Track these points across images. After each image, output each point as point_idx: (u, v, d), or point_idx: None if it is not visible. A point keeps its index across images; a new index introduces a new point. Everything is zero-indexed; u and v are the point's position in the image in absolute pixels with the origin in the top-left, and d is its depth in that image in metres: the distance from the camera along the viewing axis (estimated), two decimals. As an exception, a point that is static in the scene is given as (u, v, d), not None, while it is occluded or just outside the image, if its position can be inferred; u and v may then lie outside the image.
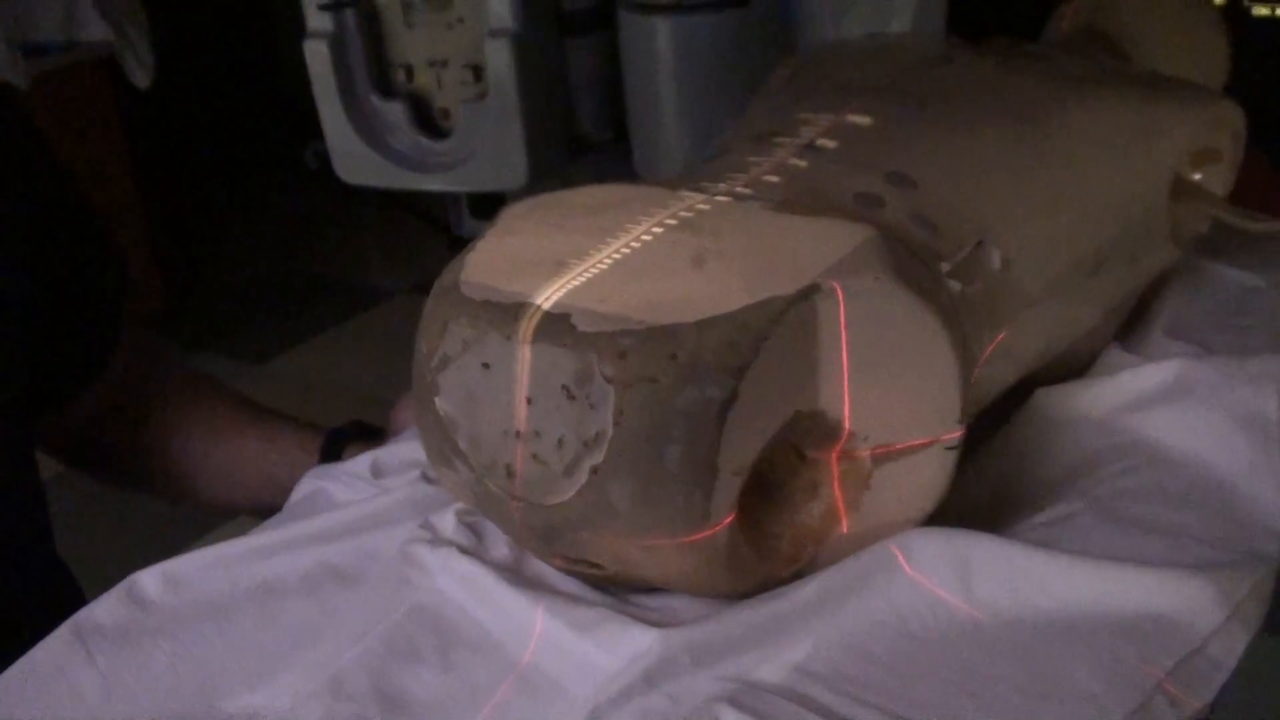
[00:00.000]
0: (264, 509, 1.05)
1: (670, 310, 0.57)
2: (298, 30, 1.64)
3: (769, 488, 0.62)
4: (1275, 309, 0.88)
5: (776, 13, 1.42)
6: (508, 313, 0.59)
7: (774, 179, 0.70)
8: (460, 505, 0.71)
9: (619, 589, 0.66)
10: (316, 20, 1.60)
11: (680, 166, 1.14)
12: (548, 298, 0.58)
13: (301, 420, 1.08)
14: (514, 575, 0.66)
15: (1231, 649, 0.58)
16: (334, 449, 1.01)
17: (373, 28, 1.69)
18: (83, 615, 0.70)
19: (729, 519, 0.58)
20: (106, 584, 0.72)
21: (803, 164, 0.71)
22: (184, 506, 1.12)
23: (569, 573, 0.66)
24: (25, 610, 0.92)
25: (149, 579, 0.72)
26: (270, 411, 1.09)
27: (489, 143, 1.44)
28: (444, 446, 0.63)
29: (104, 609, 0.70)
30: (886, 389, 0.61)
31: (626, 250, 0.62)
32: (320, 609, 0.69)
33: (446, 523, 0.70)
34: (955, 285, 0.66)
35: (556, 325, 0.57)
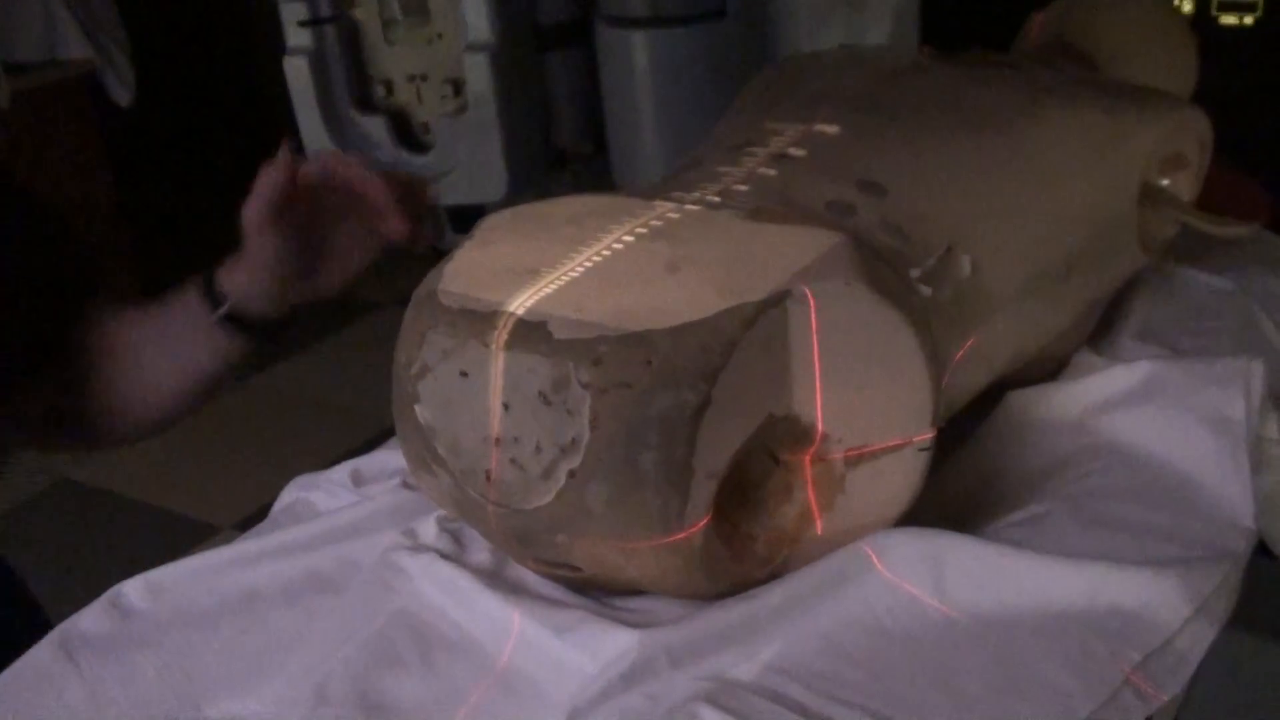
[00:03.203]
0: (197, 397, 0.99)
1: (644, 317, 0.58)
2: (278, 47, 1.64)
3: (744, 490, 0.63)
4: (1242, 312, 0.89)
5: (753, 25, 1.43)
6: (484, 320, 0.60)
7: (744, 188, 0.71)
8: (441, 512, 0.71)
9: (598, 592, 0.67)
10: (296, 37, 1.62)
11: (659, 177, 1.15)
12: (523, 305, 0.59)
13: (180, 287, 0.99)
14: (493, 579, 0.67)
15: (1199, 643, 0.60)
16: (211, 291, 0.92)
17: (353, 44, 1.70)
18: (68, 625, 0.70)
19: (704, 521, 0.59)
20: (92, 593, 0.73)
21: (772, 173, 0.73)
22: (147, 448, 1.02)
23: (548, 576, 0.67)
24: None
25: (134, 588, 0.73)
26: (152, 302, 1.00)
27: (469, 156, 1.45)
28: (424, 453, 0.64)
29: (89, 618, 0.71)
30: (858, 392, 0.62)
31: (599, 259, 0.63)
32: (303, 616, 0.70)
33: (428, 529, 0.71)
34: (925, 290, 0.67)
35: (532, 332, 0.58)
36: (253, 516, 0.82)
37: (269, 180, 0.84)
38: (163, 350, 0.96)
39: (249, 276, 0.90)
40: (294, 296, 0.92)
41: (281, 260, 0.88)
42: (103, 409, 0.98)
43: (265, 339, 0.93)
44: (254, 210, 0.86)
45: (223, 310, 0.91)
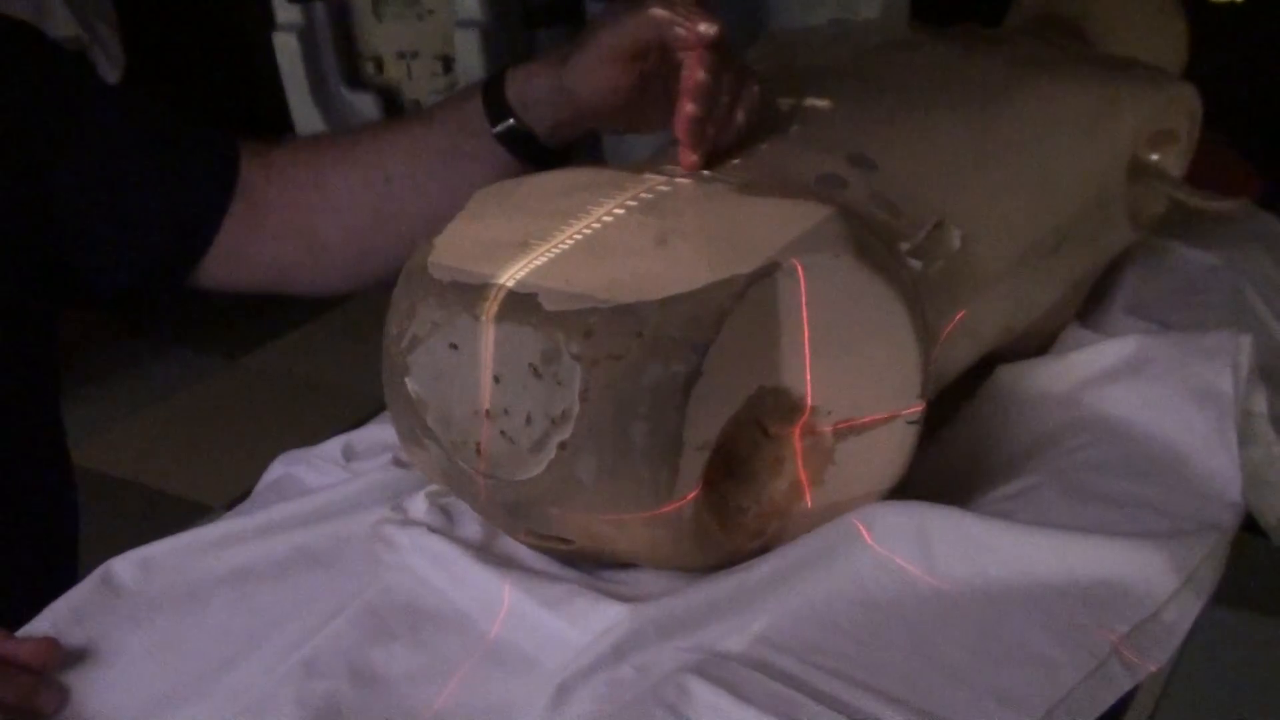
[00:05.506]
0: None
1: (634, 288, 0.58)
2: (268, 23, 1.63)
3: (734, 463, 0.63)
4: (1231, 287, 0.89)
5: (745, 1, 1.43)
6: (474, 293, 0.60)
7: (734, 161, 0.71)
8: (432, 487, 0.71)
9: (588, 565, 0.67)
10: (285, 13, 1.61)
11: (650, 151, 1.14)
12: (513, 277, 0.59)
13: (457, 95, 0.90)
14: (483, 553, 0.67)
15: (1185, 615, 0.60)
16: (496, 99, 0.83)
17: (342, 20, 1.70)
18: (59, 604, 0.70)
19: (694, 493, 0.59)
20: (82, 571, 0.73)
21: (763, 146, 0.72)
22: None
23: (538, 549, 0.67)
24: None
25: (124, 566, 0.72)
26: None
27: (459, 133, 1.44)
28: (414, 426, 0.64)
29: (80, 596, 0.71)
30: (848, 364, 0.62)
31: (589, 231, 0.63)
32: (293, 592, 0.70)
33: (417, 504, 0.71)
34: (915, 264, 0.67)
35: (523, 305, 0.58)
36: (246, 495, 0.81)
37: (662, 22, 0.73)
38: (417, 169, 0.87)
39: (552, 84, 0.80)
40: (588, 126, 0.83)
41: (613, 92, 0.78)
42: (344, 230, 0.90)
43: (533, 164, 0.83)
44: (624, 34, 0.75)
45: (509, 123, 0.82)
